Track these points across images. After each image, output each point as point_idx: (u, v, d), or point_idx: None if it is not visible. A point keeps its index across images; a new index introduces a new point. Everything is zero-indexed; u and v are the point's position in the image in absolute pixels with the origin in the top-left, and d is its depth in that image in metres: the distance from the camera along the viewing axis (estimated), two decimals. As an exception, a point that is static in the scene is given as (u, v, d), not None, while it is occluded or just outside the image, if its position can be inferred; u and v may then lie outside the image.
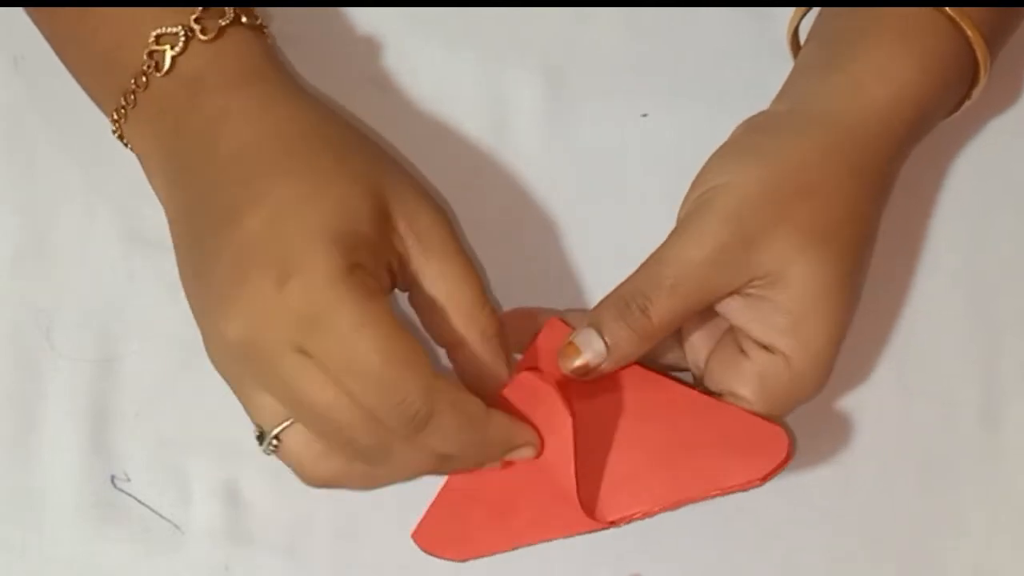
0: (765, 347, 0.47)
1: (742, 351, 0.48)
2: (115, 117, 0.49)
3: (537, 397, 0.48)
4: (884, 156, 0.49)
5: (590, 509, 0.48)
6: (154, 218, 0.50)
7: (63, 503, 0.52)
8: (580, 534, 0.48)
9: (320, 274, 0.42)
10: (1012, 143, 0.56)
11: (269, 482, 0.52)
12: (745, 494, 0.52)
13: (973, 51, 0.49)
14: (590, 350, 0.47)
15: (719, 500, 0.52)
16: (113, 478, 0.53)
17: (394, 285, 0.47)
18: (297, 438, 0.45)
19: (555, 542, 0.51)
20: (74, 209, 0.54)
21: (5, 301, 0.54)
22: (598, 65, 0.56)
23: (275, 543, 0.52)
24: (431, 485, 0.51)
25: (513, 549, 0.49)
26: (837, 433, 0.53)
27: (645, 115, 0.56)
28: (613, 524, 0.48)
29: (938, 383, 0.54)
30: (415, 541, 0.49)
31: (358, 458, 0.45)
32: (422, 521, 0.49)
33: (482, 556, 0.49)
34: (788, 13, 0.54)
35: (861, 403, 0.54)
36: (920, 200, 0.55)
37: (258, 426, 0.46)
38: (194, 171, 0.46)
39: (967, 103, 0.52)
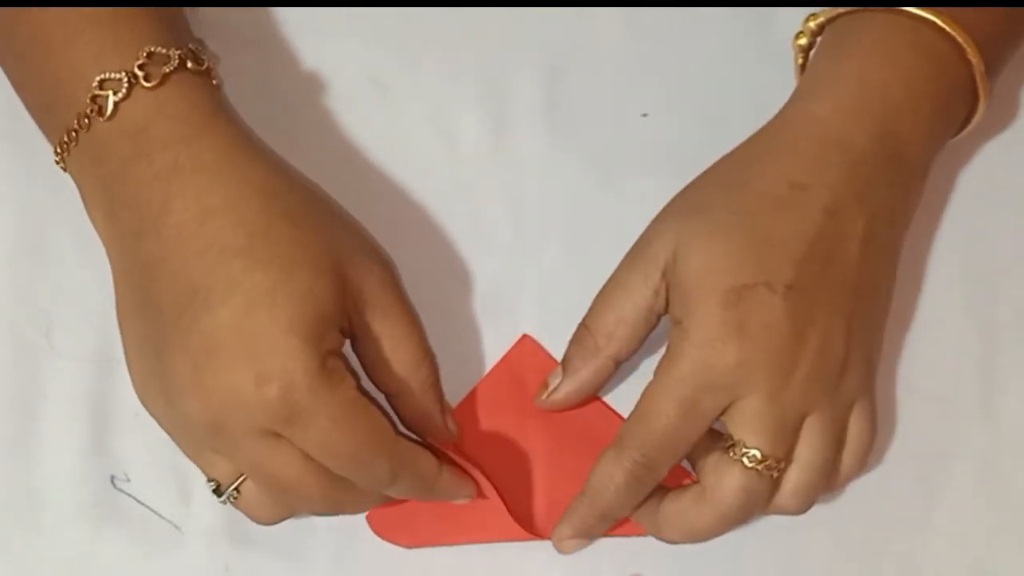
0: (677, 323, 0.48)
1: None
2: (59, 150, 0.48)
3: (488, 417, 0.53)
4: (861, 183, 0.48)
5: (527, 520, 0.52)
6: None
7: (63, 503, 0.52)
8: (515, 540, 0.51)
9: (299, 377, 0.44)
10: (1011, 143, 0.56)
11: (269, 482, 0.52)
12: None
13: (972, 75, 0.49)
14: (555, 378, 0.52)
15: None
16: (113, 478, 0.53)
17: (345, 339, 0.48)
18: (253, 488, 0.48)
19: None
20: (74, 209, 0.54)
21: (5, 301, 0.54)
22: (598, 65, 0.56)
23: (275, 543, 0.52)
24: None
25: (454, 544, 0.52)
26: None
27: (645, 115, 0.56)
28: (543, 538, 0.52)
29: (938, 382, 0.54)
30: (368, 522, 0.52)
31: (310, 513, 0.50)
32: (376, 507, 0.51)
33: (426, 546, 0.52)
34: (788, 13, 0.54)
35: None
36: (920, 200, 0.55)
37: (213, 479, 0.48)
38: (145, 230, 0.46)
39: (967, 128, 0.52)
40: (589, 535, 0.51)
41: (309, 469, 0.46)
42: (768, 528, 0.53)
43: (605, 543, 0.52)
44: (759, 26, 0.56)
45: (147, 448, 0.53)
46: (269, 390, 0.44)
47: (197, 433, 0.46)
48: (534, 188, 0.55)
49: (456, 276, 0.54)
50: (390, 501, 0.50)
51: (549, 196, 0.55)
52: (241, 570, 0.52)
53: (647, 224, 0.50)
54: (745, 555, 0.53)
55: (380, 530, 0.52)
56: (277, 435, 0.45)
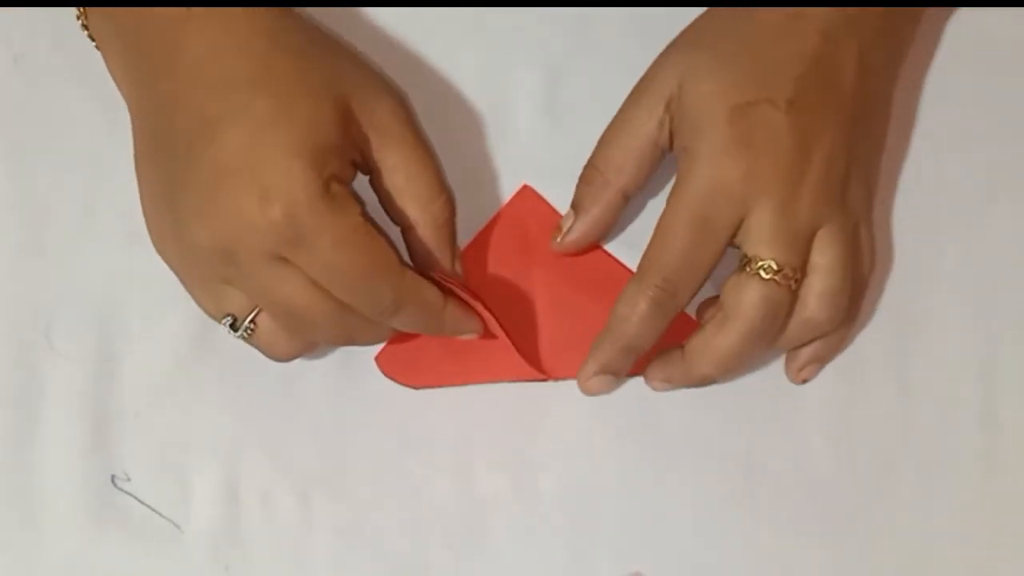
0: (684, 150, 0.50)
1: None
2: (80, 10, 0.49)
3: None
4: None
5: (533, 361, 0.53)
6: (154, 218, 0.50)
7: (63, 503, 0.52)
8: (521, 380, 0.53)
9: (301, 198, 0.45)
10: (1012, 143, 0.56)
11: (268, 482, 0.52)
12: (744, 494, 0.52)
13: None
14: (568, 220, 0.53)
15: (718, 499, 0.52)
16: (113, 478, 0.53)
17: (357, 171, 0.49)
18: (268, 321, 0.49)
19: (555, 543, 0.52)
20: (74, 209, 0.54)
21: (5, 301, 0.54)
22: (598, 65, 0.56)
23: (275, 543, 0.52)
24: (428, 482, 0.51)
25: (462, 384, 0.53)
26: (837, 433, 0.53)
27: (645, 115, 0.56)
28: (549, 378, 0.53)
29: (938, 383, 0.54)
30: (377, 363, 0.53)
31: (324, 342, 0.51)
32: (385, 347, 0.53)
33: (434, 386, 0.53)
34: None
35: (861, 403, 0.54)
36: (920, 200, 0.55)
37: (229, 315, 0.48)
38: (160, 71, 0.48)
39: None
40: (613, 371, 0.51)
41: (317, 295, 0.47)
42: (768, 528, 0.53)
43: (605, 543, 0.52)
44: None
45: (147, 448, 0.53)
46: (273, 210, 0.45)
47: (209, 265, 0.47)
48: (534, 187, 0.55)
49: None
50: (400, 336, 0.51)
51: (550, 195, 0.55)
52: (241, 570, 0.52)
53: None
54: (745, 555, 0.53)
55: (388, 370, 0.53)
56: (284, 260, 0.46)
